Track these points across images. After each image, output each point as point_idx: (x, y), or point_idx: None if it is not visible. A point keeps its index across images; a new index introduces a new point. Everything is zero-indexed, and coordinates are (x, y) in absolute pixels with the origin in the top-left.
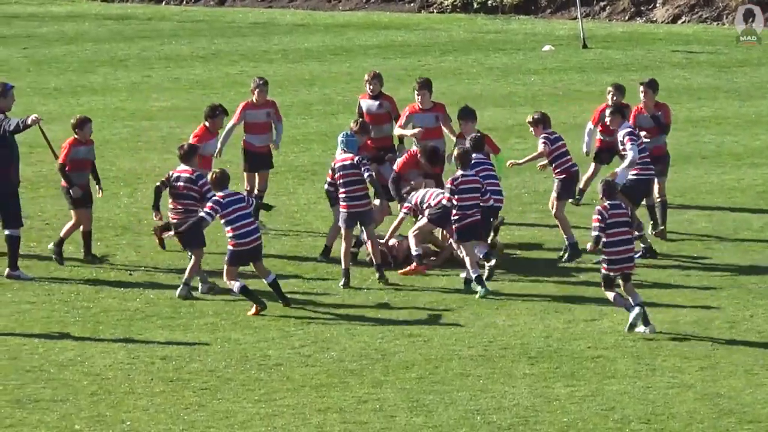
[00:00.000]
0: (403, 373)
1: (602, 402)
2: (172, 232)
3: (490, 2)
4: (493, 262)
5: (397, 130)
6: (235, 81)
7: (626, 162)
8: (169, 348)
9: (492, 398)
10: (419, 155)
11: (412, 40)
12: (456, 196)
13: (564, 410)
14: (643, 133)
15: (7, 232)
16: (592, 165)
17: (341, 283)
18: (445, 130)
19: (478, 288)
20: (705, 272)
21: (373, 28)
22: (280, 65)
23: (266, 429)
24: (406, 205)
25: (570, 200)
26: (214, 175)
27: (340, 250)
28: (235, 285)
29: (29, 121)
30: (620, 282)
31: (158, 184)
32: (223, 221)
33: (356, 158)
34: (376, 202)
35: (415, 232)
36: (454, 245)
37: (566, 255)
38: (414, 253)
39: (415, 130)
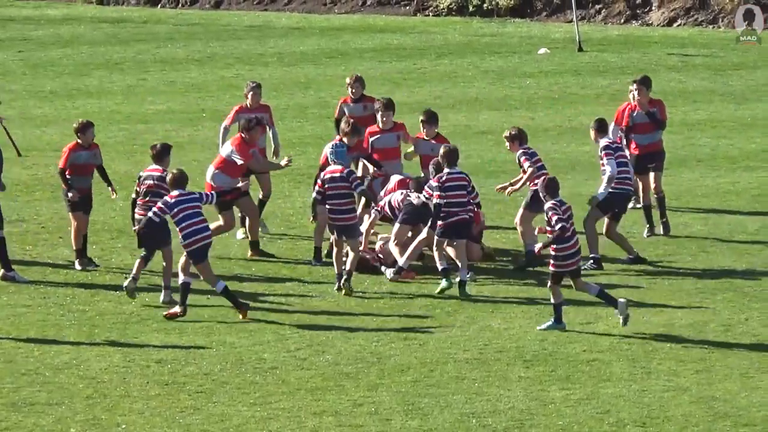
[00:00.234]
0: (399, 376)
1: (597, 405)
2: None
3: (485, 5)
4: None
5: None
6: (230, 84)
7: (605, 179)
8: (164, 351)
9: (487, 401)
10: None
11: (407, 44)
12: (442, 194)
13: (559, 413)
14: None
15: None
16: None
17: (336, 287)
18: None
19: (443, 281)
20: (700, 275)
21: (368, 31)
22: (276, 68)
23: None
24: (378, 205)
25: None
26: (171, 175)
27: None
28: (182, 277)
29: None
30: (571, 281)
31: (133, 196)
32: (174, 221)
33: (346, 171)
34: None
35: (395, 241)
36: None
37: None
38: (400, 263)
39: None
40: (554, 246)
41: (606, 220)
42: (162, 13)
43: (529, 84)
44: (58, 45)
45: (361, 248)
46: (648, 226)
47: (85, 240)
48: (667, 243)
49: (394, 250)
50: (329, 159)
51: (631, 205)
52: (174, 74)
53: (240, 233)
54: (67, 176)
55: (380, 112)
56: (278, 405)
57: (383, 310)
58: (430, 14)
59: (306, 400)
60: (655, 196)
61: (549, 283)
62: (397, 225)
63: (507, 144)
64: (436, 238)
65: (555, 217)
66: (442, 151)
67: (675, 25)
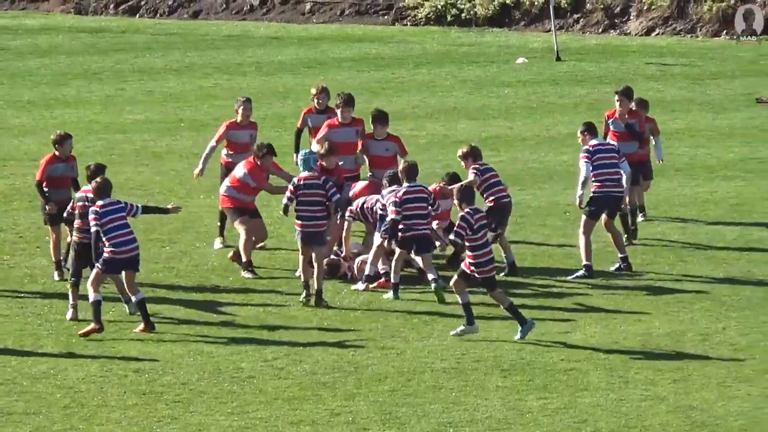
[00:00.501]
0: (376, 385)
1: (575, 415)
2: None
3: (463, 15)
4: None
5: (314, 146)
6: (208, 94)
7: (579, 181)
8: (142, 361)
9: (465, 411)
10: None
11: (385, 53)
12: (399, 209)
13: (537, 423)
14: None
15: None
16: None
17: (303, 296)
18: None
19: (390, 293)
20: (678, 285)
21: (346, 40)
22: (254, 78)
23: None
24: (349, 208)
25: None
26: (95, 184)
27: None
28: (92, 295)
29: None
30: (488, 291)
31: (65, 215)
32: (102, 230)
33: (323, 178)
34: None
35: (375, 251)
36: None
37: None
38: (381, 271)
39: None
40: (469, 253)
41: (603, 217)
42: (140, 22)
43: (507, 93)
44: (36, 55)
45: (343, 254)
46: (626, 236)
47: (66, 251)
48: (645, 252)
49: (372, 259)
50: (299, 166)
51: (640, 219)
52: (152, 84)
53: (218, 242)
54: (45, 189)
55: (340, 108)
56: (255, 414)
57: (360, 320)
58: (409, 24)
59: (283, 410)
60: (628, 207)
61: (455, 279)
62: (378, 239)
63: (462, 163)
64: (397, 249)
65: (458, 230)
66: (402, 166)
67: (653, 34)
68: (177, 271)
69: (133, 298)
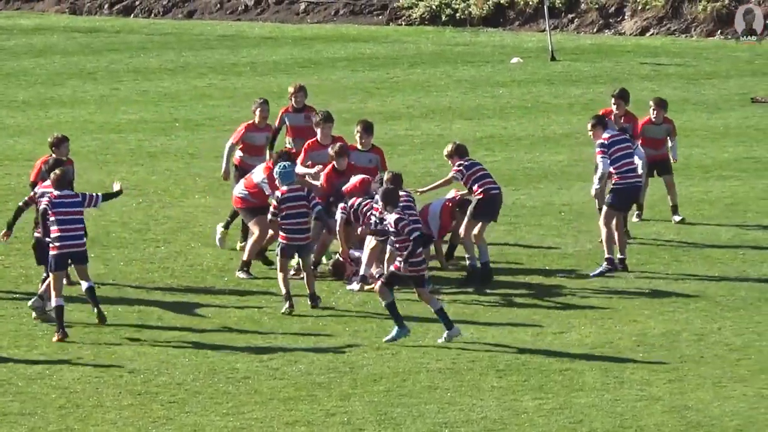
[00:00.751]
0: (371, 386)
1: (570, 415)
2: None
3: (458, 15)
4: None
5: (299, 169)
6: (203, 94)
7: (596, 176)
8: (137, 361)
9: (460, 411)
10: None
11: (380, 53)
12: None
13: (532, 423)
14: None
15: None
16: None
17: (283, 309)
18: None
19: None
20: (673, 285)
21: (341, 40)
22: (249, 78)
23: None
24: (341, 205)
25: (492, 221)
26: (54, 175)
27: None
28: (54, 301)
29: None
30: (416, 290)
31: (21, 204)
32: (51, 220)
33: (305, 189)
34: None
35: (369, 252)
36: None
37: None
38: (362, 272)
39: (315, 170)
40: (400, 254)
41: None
42: (135, 22)
43: (501, 93)
44: (31, 55)
45: (340, 251)
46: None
47: None
48: (640, 252)
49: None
50: (278, 180)
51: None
52: (147, 84)
53: (219, 229)
54: None
55: (320, 125)
56: (251, 415)
57: (355, 320)
58: (403, 23)
59: (279, 410)
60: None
61: (379, 284)
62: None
63: (449, 162)
64: (388, 248)
65: (407, 228)
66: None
67: (648, 34)
68: (172, 271)
69: (84, 284)
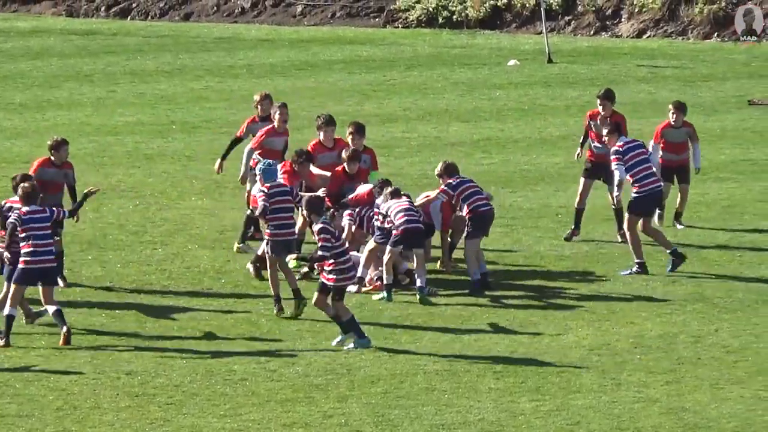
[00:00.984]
0: (369, 387)
1: (567, 417)
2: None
3: (455, 17)
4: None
5: (314, 169)
6: (200, 96)
7: (614, 184)
8: (134, 363)
9: (457, 413)
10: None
11: (377, 55)
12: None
13: (529, 425)
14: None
15: None
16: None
17: (275, 311)
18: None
19: (382, 294)
20: (670, 286)
21: (338, 43)
22: (245, 80)
23: None
24: (348, 212)
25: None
26: (22, 190)
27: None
28: (7, 309)
29: None
30: (333, 300)
31: None
32: (20, 236)
33: (290, 185)
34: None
35: (367, 254)
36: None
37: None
38: (359, 274)
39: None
40: (331, 261)
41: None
42: (131, 25)
43: (498, 95)
44: (28, 57)
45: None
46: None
47: (60, 257)
48: None
49: (364, 259)
50: (260, 178)
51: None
52: (143, 86)
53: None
54: None
55: (322, 128)
56: (248, 416)
57: None
58: (400, 26)
59: (276, 412)
60: (613, 207)
61: (316, 297)
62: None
63: (439, 180)
64: (388, 248)
65: (325, 243)
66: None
67: (644, 36)
68: (169, 273)
69: (51, 308)
